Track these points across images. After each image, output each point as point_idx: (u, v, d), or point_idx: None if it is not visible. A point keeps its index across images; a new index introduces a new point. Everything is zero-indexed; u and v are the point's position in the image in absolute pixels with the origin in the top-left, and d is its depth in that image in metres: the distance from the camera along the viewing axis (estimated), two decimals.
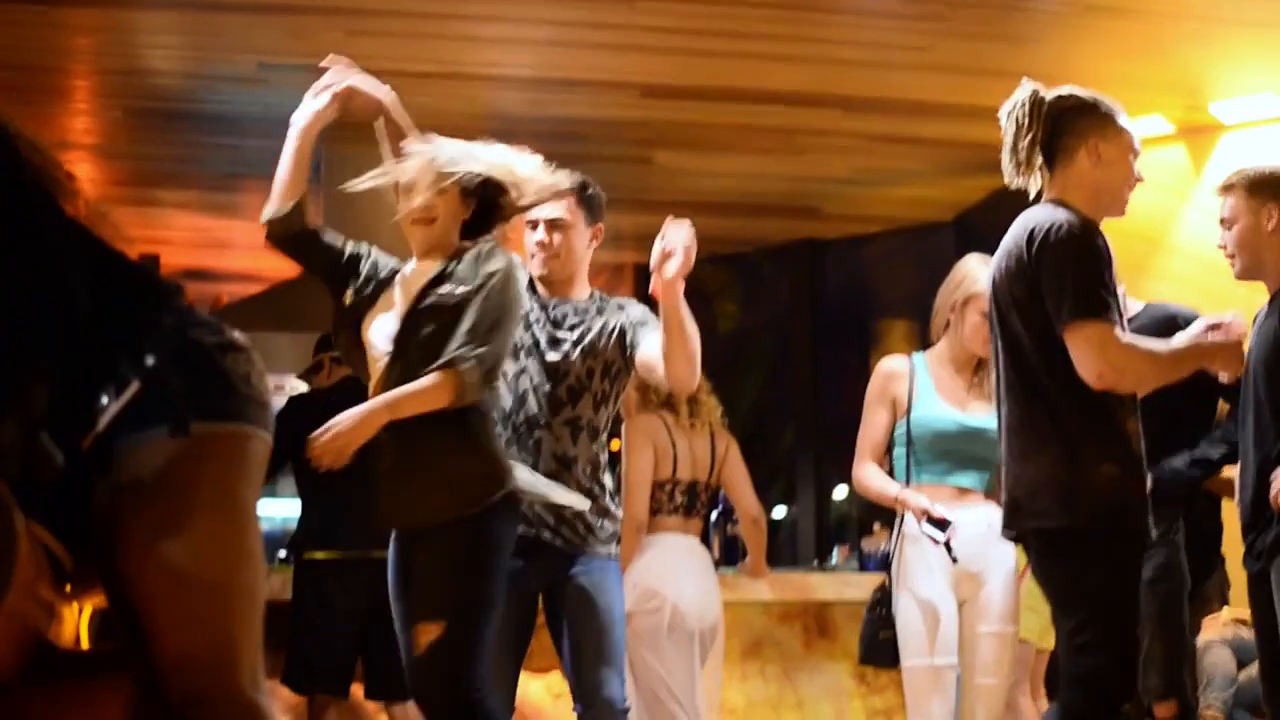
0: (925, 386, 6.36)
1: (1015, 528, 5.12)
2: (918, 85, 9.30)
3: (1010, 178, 5.22)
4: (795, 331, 13.19)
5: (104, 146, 10.44)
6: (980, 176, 11.05)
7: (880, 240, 12.79)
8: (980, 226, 11.41)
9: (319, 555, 7.52)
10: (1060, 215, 4.98)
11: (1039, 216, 5.02)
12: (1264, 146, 8.99)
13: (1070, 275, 4.86)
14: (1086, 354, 4.77)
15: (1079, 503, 4.84)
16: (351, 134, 10.21)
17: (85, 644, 3.02)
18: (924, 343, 6.59)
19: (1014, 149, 5.18)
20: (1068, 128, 5.16)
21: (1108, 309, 4.82)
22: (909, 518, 6.22)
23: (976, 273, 6.35)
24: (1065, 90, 5.19)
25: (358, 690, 7.66)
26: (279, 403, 10.22)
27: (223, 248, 13.07)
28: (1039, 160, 5.16)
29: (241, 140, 10.36)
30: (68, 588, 2.88)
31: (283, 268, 11.97)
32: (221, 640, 2.82)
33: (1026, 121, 5.16)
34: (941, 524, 6.07)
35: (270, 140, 10.25)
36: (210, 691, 2.80)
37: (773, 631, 8.67)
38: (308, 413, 7.95)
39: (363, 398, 7.94)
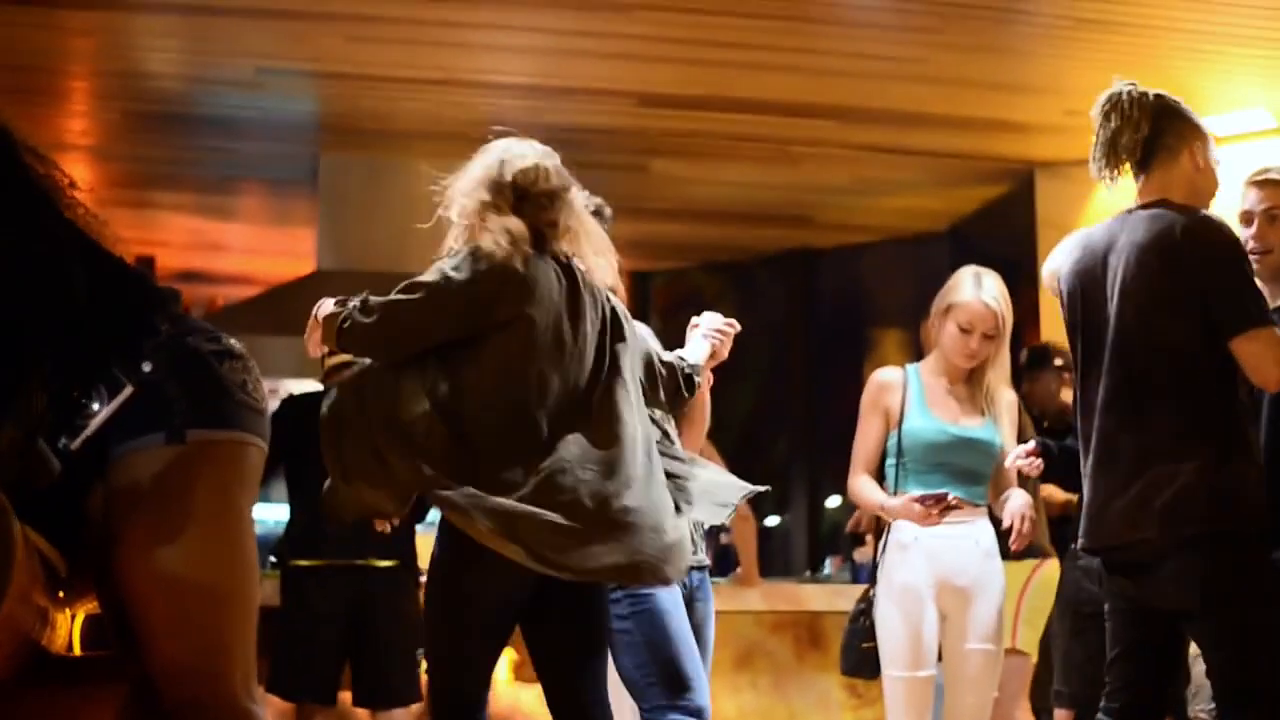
0: (917, 397, 6.36)
1: (1143, 535, 4.84)
2: (912, 96, 9.31)
3: (1099, 173, 5.17)
4: (790, 340, 13.19)
5: (101, 148, 10.45)
6: (974, 187, 11.09)
7: (875, 250, 12.80)
8: (974, 237, 11.44)
9: (304, 563, 7.53)
10: (1200, 217, 4.92)
11: (1171, 216, 4.93)
12: (1256, 161, 8.98)
13: (1240, 281, 4.84)
14: (1265, 360, 4.74)
15: (1235, 505, 4.74)
16: (349, 139, 10.28)
17: (78, 650, 3.02)
18: (918, 353, 6.61)
19: (1114, 144, 5.11)
20: (1170, 128, 5.07)
21: (1270, 314, 4.85)
22: (894, 527, 6.24)
23: (963, 283, 6.36)
24: (1159, 91, 5.10)
25: (346, 696, 7.67)
26: (274, 407, 10.25)
27: (218, 250, 13.07)
28: (1136, 158, 5.09)
29: (238, 144, 10.37)
30: (61, 594, 2.89)
31: (277, 271, 12.00)
32: (216, 647, 2.83)
33: (1136, 117, 5.07)
34: (937, 500, 6.09)
35: (267, 144, 10.34)
36: (204, 698, 2.81)
37: (764, 642, 8.69)
38: (305, 413, 7.98)
39: None
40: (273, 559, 10.21)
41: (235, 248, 13.05)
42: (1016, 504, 6.08)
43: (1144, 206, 4.99)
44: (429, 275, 5.01)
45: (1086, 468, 4.94)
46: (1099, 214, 9.49)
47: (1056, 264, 5.19)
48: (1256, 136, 9.48)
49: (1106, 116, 5.12)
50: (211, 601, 2.82)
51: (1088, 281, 5.01)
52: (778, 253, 13.02)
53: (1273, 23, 8.16)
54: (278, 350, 9.79)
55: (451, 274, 4.93)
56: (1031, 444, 5.97)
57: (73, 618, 2.98)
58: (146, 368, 2.83)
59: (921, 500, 6.07)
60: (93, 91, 9.65)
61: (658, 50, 8.69)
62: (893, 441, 6.34)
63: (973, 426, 6.29)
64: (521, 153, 5.22)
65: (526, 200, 5.10)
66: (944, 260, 6.81)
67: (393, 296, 4.96)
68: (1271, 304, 5.51)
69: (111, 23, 8.52)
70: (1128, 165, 5.09)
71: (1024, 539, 6.03)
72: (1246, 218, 5.59)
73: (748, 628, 8.58)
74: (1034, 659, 7.04)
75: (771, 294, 13.31)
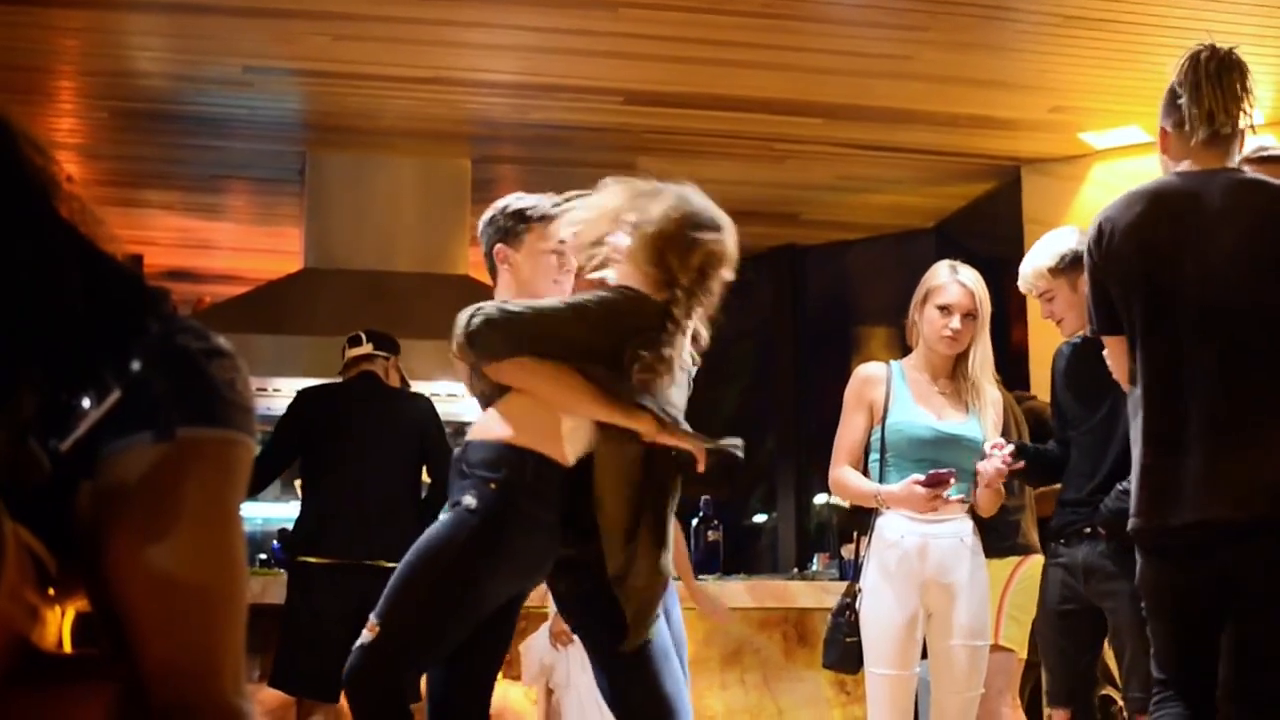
0: (901, 392, 6.39)
1: (1253, 510, 4.63)
2: (899, 93, 9.33)
3: (1226, 126, 4.92)
4: (776, 337, 13.21)
5: (89, 147, 10.45)
6: (960, 184, 11.11)
7: (861, 247, 12.82)
8: (961, 234, 11.47)
9: (312, 560, 7.54)
10: None
11: (1274, 185, 4.85)
12: None
13: None
14: None
15: None
16: (336, 137, 10.29)
17: (68, 648, 3.03)
18: (904, 350, 6.63)
19: (1229, 102, 4.91)
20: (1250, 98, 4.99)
21: None
22: (880, 524, 6.26)
23: (939, 270, 6.43)
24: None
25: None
26: (264, 405, 10.26)
27: (206, 249, 13.07)
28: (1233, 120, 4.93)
29: (226, 142, 10.38)
30: (52, 591, 2.90)
31: (265, 269, 12.01)
32: (206, 646, 2.83)
33: (1246, 82, 4.96)
34: (937, 480, 6.12)
35: (254, 142, 10.34)
36: (194, 697, 2.81)
37: (752, 639, 8.70)
38: (319, 406, 8.00)
39: (375, 392, 7.99)
40: (262, 556, 10.25)
41: (223, 246, 13.05)
42: (991, 462, 6.16)
43: (1222, 171, 4.88)
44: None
45: (1148, 435, 4.79)
46: (1085, 210, 9.55)
47: (1112, 215, 4.92)
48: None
49: (1220, 71, 4.93)
50: (201, 599, 2.82)
51: (1161, 239, 4.83)
52: (764, 250, 13.04)
53: (1260, 20, 8.18)
54: (266, 348, 9.82)
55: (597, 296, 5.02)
56: (1008, 446, 6.04)
57: (63, 615, 2.99)
58: (135, 366, 2.83)
59: (925, 482, 6.11)
60: (80, 90, 9.65)
61: (644, 48, 8.71)
62: (876, 436, 6.37)
63: (957, 423, 6.32)
64: (717, 230, 5.27)
65: (701, 278, 5.14)
66: (930, 257, 6.84)
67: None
68: None
69: (99, 22, 8.53)
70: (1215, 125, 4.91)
71: (992, 483, 6.11)
72: None
73: (736, 625, 8.59)
74: (1020, 655, 7.06)
75: (758, 291, 13.31)
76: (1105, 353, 5.03)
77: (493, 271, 5.62)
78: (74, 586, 2.93)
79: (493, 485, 4.85)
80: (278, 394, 10.46)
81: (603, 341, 4.93)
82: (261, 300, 10.74)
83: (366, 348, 8.08)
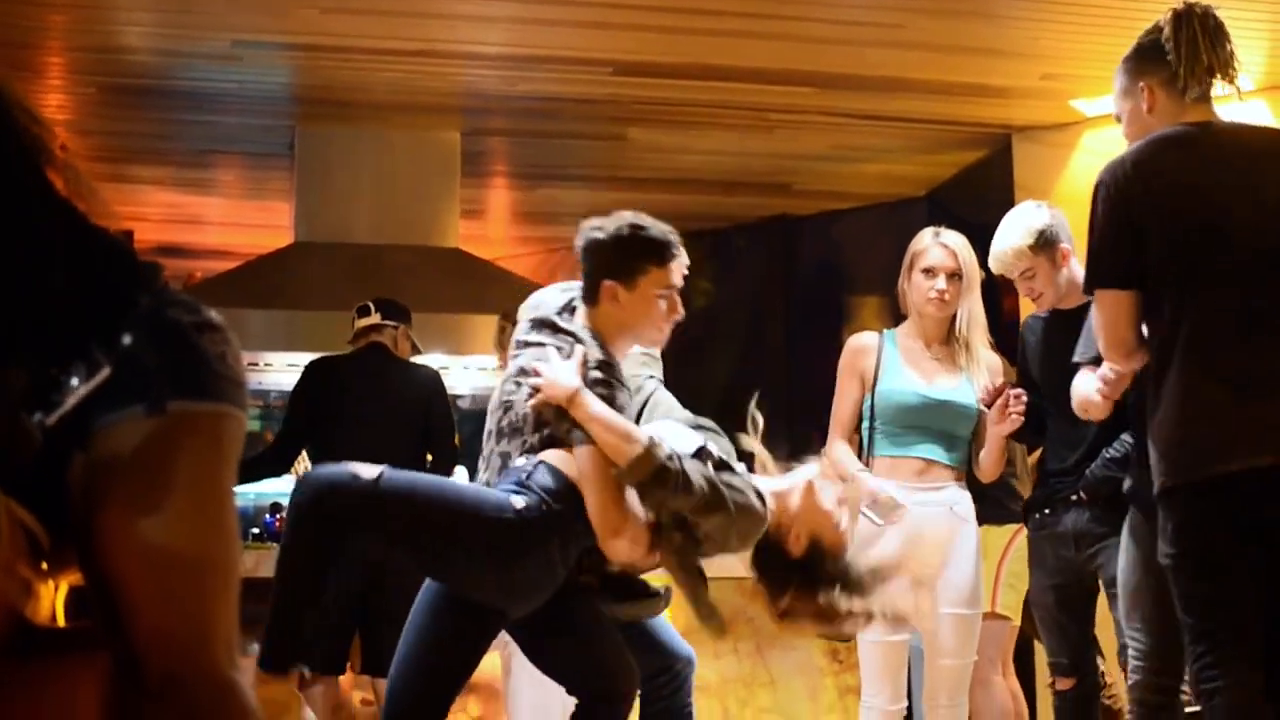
0: (892, 360, 6.40)
1: None
2: (890, 62, 9.31)
3: (1220, 84, 4.93)
4: (769, 307, 13.20)
5: (78, 123, 10.43)
6: (952, 152, 11.10)
7: (853, 216, 12.81)
8: (952, 202, 11.46)
9: None
10: None
11: None
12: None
13: None
14: None
15: None
16: (325, 111, 10.26)
17: (61, 621, 3.03)
18: (897, 319, 6.64)
19: (1219, 55, 4.92)
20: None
21: None
22: (884, 484, 6.28)
23: (923, 235, 6.44)
24: None
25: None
26: (255, 379, 10.26)
27: (196, 224, 13.06)
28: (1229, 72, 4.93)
29: (216, 117, 10.36)
30: (44, 565, 2.89)
31: (256, 244, 11.99)
32: (198, 618, 2.83)
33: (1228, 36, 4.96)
34: (887, 506, 6.12)
35: (243, 117, 10.32)
36: (187, 669, 2.81)
37: (745, 608, 8.69)
38: (330, 377, 7.98)
39: (386, 364, 7.95)
40: (255, 531, 10.25)
41: (213, 221, 13.04)
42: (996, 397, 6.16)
43: (1230, 122, 4.91)
44: None
45: (1202, 383, 4.67)
46: (1076, 178, 9.56)
47: (1143, 160, 4.79)
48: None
49: (1216, 29, 4.93)
50: (193, 572, 2.82)
51: (1208, 183, 4.77)
52: (756, 220, 13.03)
53: None
54: (256, 323, 9.82)
55: None
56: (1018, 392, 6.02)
57: (55, 589, 2.98)
58: (126, 340, 2.83)
59: (877, 498, 6.14)
60: (68, 66, 9.62)
61: (634, 18, 8.68)
62: (866, 405, 6.38)
63: (949, 389, 6.32)
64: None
65: None
66: (922, 226, 6.82)
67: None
68: None
69: None
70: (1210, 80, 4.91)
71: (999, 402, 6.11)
72: None
73: (728, 594, 8.57)
74: (1016, 623, 7.06)
75: (750, 261, 13.31)
76: (1097, 311, 4.88)
77: (589, 295, 5.20)
78: (67, 560, 2.92)
79: (545, 507, 4.80)
80: (269, 368, 10.47)
81: None
82: (252, 275, 10.74)
83: (374, 318, 8.06)
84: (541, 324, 5.25)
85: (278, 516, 10.38)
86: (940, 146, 11.00)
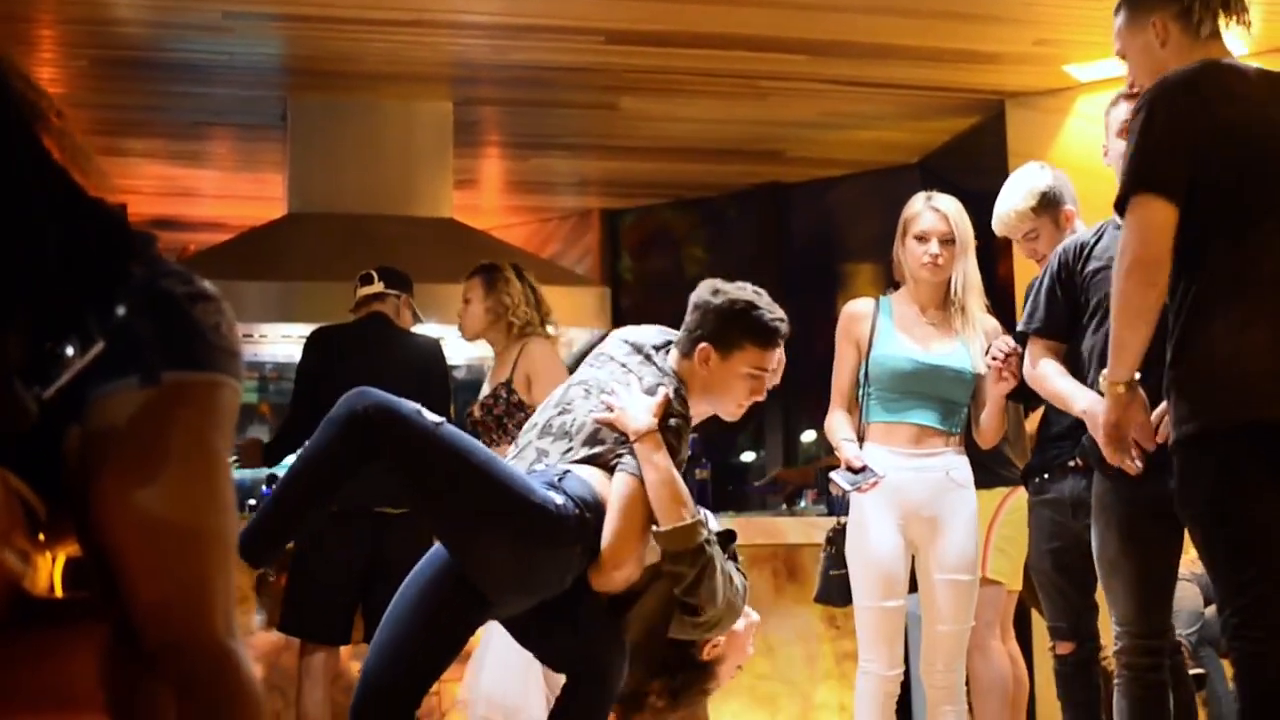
0: (886, 326, 6.40)
1: None
2: (882, 28, 9.29)
3: (1238, 19, 4.80)
4: (761, 276, 13.09)
5: (70, 96, 10.40)
6: (944, 119, 11.09)
7: (845, 184, 12.80)
8: (945, 169, 11.45)
9: None
10: None
11: None
12: None
13: None
14: None
15: None
16: (317, 82, 10.25)
17: (59, 592, 3.04)
18: (890, 286, 6.63)
19: None
20: None
21: None
22: (868, 463, 6.27)
23: (915, 200, 6.43)
24: None
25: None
26: (249, 351, 10.25)
27: (189, 197, 13.03)
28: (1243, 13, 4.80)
29: (207, 89, 10.33)
30: (42, 536, 2.90)
31: (249, 216, 11.98)
32: (195, 587, 2.84)
33: None
34: (862, 474, 6.13)
35: (235, 89, 10.30)
36: (185, 638, 2.82)
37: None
38: (332, 347, 7.96)
39: (385, 333, 7.92)
40: (251, 503, 10.25)
41: (206, 193, 13.01)
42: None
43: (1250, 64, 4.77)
44: None
45: (1259, 319, 4.49)
46: (1070, 144, 9.56)
47: (1200, 80, 4.62)
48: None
49: None
50: (189, 541, 2.83)
51: (1264, 117, 4.62)
52: (748, 188, 13.02)
53: None
54: (251, 294, 9.81)
55: None
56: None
57: (53, 560, 2.99)
58: (120, 311, 2.83)
59: (852, 466, 6.15)
60: (59, 39, 9.60)
61: None
62: (862, 371, 6.38)
63: (944, 354, 6.32)
64: None
65: None
66: (914, 193, 6.82)
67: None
68: None
69: None
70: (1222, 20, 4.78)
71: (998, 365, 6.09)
72: (1128, 130, 5.55)
73: None
74: (1009, 588, 7.07)
75: (742, 229, 13.30)
76: (1134, 221, 4.56)
77: (685, 348, 5.23)
78: (64, 532, 2.93)
79: (578, 513, 4.79)
80: (264, 340, 10.47)
81: None
82: (246, 247, 10.73)
83: (377, 286, 8.03)
84: (637, 350, 5.28)
85: (274, 488, 10.38)
86: (933, 113, 10.98)
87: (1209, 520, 4.53)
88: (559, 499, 4.76)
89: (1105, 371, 4.66)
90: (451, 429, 4.74)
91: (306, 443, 4.78)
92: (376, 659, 4.77)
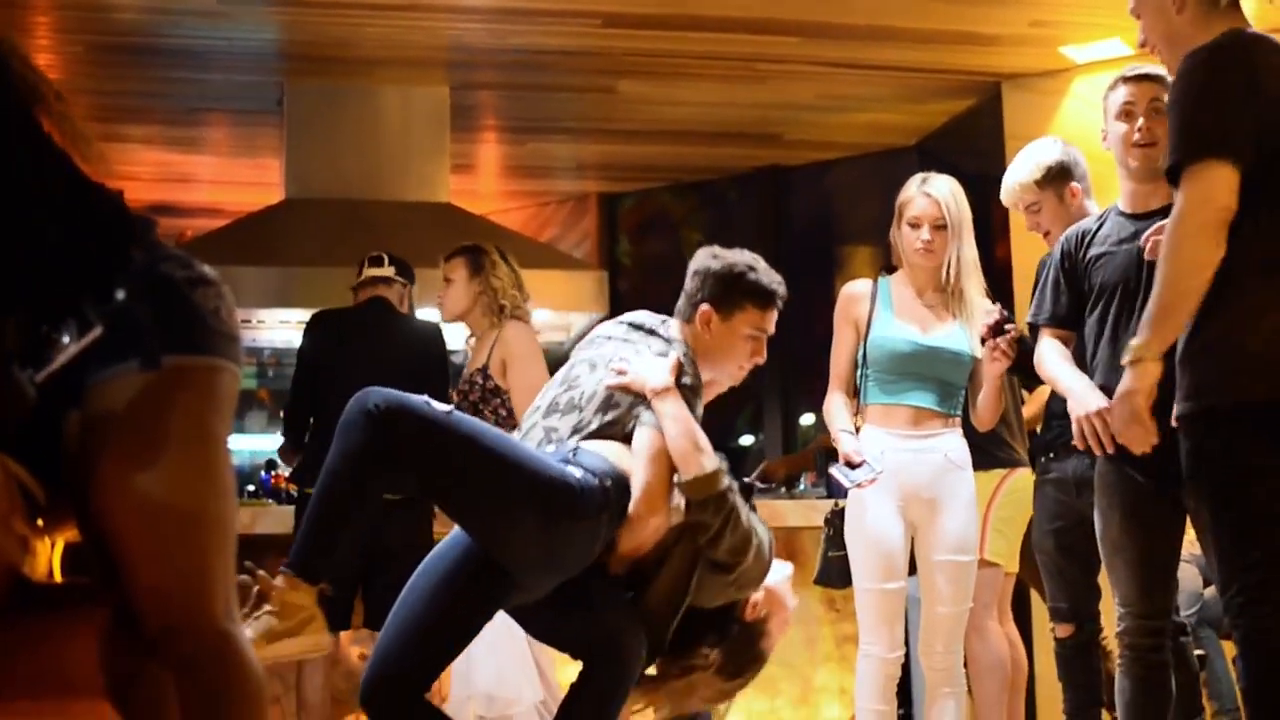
0: (884, 307, 6.40)
1: None
2: (879, 10, 9.29)
3: None
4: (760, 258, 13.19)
5: (65, 82, 10.38)
6: (941, 101, 11.08)
7: (843, 166, 12.79)
8: (942, 151, 11.44)
9: None
10: None
11: None
12: None
13: None
14: None
15: None
16: (313, 67, 10.23)
17: (59, 577, 3.04)
18: (888, 268, 6.62)
19: None
20: None
21: None
22: (862, 440, 6.27)
23: (910, 184, 6.43)
24: None
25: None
26: (248, 336, 10.24)
27: (186, 183, 13.02)
28: None
29: (204, 75, 10.32)
30: (41, 522, 2.90)
31: (246, 201, 11.97)
32: (195, 571, 2.84)
33: None
34: (861, 470, 6.13)
35: (232, 74, 10.29)
36: (185, 622, 2.82)
37: None
38: (327, 332, 7.95)
39: (386, 318, 7.89)
40: (250, 488, 10.24)
41: (203, 179, 13.00)
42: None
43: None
44: None
45: None
46: (1066, 125, 9.54)
47: (1247, 39, 4.55)
48: None
49: None
50: (189, 525, 2.83)
51: None
52: (746, 171, 13.01)
53: None
54: (249, 280, 9.80)
55: None
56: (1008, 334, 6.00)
57: (53, 545, 2.99)
58: (120, 295, 2.83)
59: (851, 461, 6.15)
60: (55, 25, 9.58)
61: None
62: (860, 352, 6.38)
63: (942, 336, 6.32)
64: None
65: None
66: (912, 174, 6.81)
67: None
68: (1150, 204, 5.50)
69: None
70: None
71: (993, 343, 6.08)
72: (1128, 112, 5.55)
73: None
74: (1007, 569, 7.07)
75: (741, 213, 13.29)
76: (1195, 188, 4.39)
77: (686, 314, 5.35)
78: (63, 517, 2.93)
79: (598, 483, 4.79)
80: (262, 325, 10.47)
81: None
82: (243, 232, 10.72)
83: (388, 270, 8.00)
84: (636, 327, 5.35)
85: (273, 473, 10.38)
86: (930, 95, 10.98)
87: (1216, 499, 4.50)
88: (577, 473, 4.78)
89: (1135, 342, 4.54)
90: (461, 415, 4.78)
91: (328, 456, 4.77)
92: (390, 643, 4.76)
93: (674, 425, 4.92)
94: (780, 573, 5.35)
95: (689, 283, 5.35)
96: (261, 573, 4.49)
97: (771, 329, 5.41)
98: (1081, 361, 5.52)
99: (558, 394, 5.19)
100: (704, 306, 5.28)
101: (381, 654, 4.77)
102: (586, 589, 4.94)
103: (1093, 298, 5.53)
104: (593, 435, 5.02)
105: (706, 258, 5.37)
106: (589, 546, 4.83)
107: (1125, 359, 4.57)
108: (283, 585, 4.52)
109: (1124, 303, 5.40)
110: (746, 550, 4.99)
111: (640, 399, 5.00)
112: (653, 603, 4.99)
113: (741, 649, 5.23)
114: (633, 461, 4.92)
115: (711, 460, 4.92)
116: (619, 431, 5.02)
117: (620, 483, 4.87)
